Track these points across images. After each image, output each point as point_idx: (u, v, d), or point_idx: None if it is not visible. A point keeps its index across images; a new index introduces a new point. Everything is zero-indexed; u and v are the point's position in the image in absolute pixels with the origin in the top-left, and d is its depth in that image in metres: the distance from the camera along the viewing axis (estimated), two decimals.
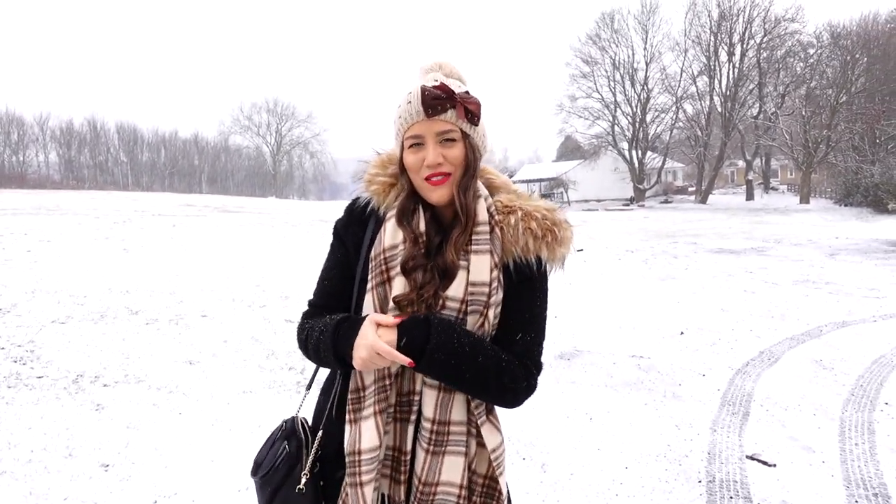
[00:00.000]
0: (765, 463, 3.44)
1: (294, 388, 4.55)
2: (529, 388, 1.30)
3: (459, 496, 1.26)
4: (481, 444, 1.30)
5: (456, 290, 1.23)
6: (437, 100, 1.22)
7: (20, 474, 3.14)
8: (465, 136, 1.25)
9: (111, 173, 72.37)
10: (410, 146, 1.26)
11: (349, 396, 1.28)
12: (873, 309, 7.52)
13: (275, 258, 10.29)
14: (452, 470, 1.26)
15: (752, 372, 5.06)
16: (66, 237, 11.00)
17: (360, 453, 1.24)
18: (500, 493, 1.31)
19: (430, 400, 1.25)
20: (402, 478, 1.28)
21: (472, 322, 1.24)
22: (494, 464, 1.30)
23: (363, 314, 1.26)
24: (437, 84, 1.24)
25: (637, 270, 10.91)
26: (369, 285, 1.27)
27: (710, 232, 19.45)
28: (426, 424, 1.25)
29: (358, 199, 1.38)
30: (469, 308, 1.23)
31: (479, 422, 1.28)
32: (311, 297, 1.43)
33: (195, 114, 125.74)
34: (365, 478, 1.24)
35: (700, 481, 3.24)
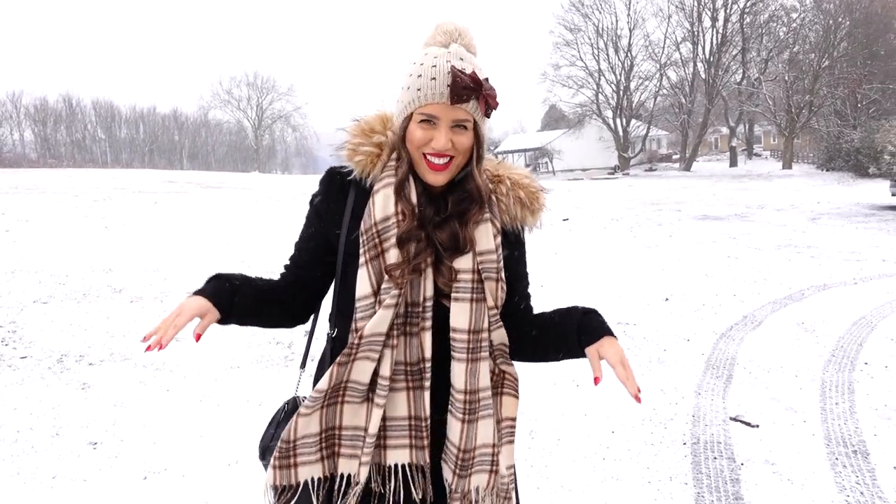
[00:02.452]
0: (748, 424, 3.50)
1: (282, 363, 4.55)
2: None
3: (493, 453, 1.31)
4: (496, 395, 1.34)
5: (465, 261, 1.26)
6: (466, 90, 1.19)
7: (7, 454, 3.13)
8: (475, 125, 1.24)
9: (89, 151, 71.09)
10: (420, 121, 1.22)
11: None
12: (854, 272, 7.64)
13: (259, 233, 10.22)
14: (486, 433, 1.30)
15: (735, 336, 5.13)
16: (46, 216, 10.83)
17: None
18: (512, 428, 1.37)
19: (459, 371, 1.26)
20: (425, 443, 1.28)
21: (489, 288, 1.27)
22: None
23: (357, 289, 1.26)
24: (469, 72, 1.20)
25: (622, 238, 10.97)
26: (362, 259, 1.25)
27: (694, 199, 19.56)
28: (458, 395, 1.27)
29: (334, 169, 1.35)
30: (484, 276, 1.27)
31: (501, 388, 1.36)
32: (286, 262, 1.42)
33: (174, 89, 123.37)
34: (366, 452, 1.24)
35: (685, 443, 3.30)
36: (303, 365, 1.51)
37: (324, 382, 1.24)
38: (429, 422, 1.26)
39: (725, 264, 8.29)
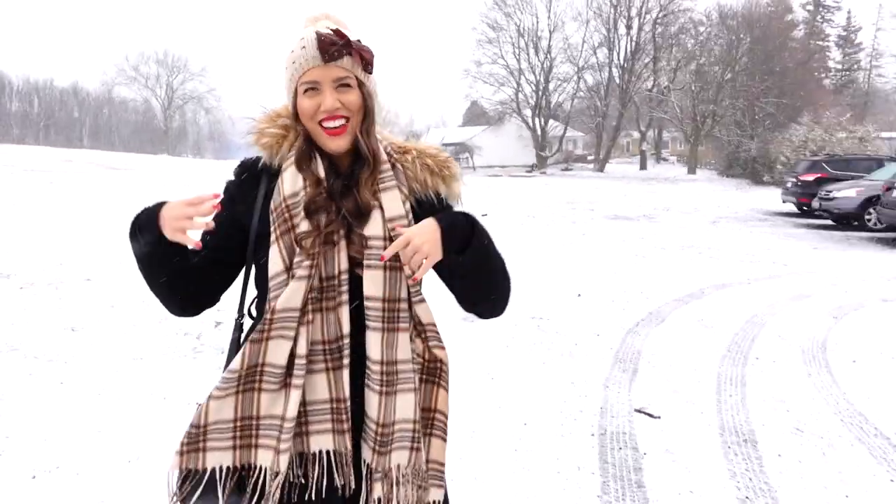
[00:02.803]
0: (650, 415, 3.68)
1: (190, 355, 4.36)
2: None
3: (414, 430, 1.26)
4: (429, 384, 1.31)
5: (375, 228, 1.24)
6: (334, 45, 1.21)
7: None
8: (360, 83, 1.26)
9: None
10: (305, 91, 1.24)
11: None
12: (748, 272, 8.19)
13: None
14: (406, 406, 1.25)
15: (641, 331, 5.38)
16: None
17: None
18: (444, 424, 1.33)
19: (375, 341, 1.23)
20: (345, 426, 1.23)
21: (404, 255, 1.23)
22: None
23: (270, 267, 1.23)
24: (332, 30, 1.23)
25: (538, 235, 11.25)
26: (273, 237, 1.23)
27: (606, 199, 20.34)
28: (374, 367, 1.23)
29: (248, 157, 1.35)
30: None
31: (437, 377, 1.31)
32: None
33: (74, 62, 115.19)
34: (283, 443, 1.19)
35: (593, 434, 3.42)
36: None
37: (236, 362, 1.19)
38: (348, 403, 1.22)
39: (633, 262, 8.67)
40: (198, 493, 1.19)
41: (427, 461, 1.30)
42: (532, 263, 8.25)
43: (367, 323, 1.23)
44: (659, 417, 3.65)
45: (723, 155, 36.82)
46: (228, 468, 1.20)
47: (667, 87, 41.89)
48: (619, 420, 3.61)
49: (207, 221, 1.19)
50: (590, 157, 52.45)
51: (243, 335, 1.32)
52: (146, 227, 1.21)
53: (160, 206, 1.21)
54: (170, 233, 1.17)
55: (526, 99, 46.51)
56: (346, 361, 1.23)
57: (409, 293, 1.26)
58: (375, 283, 1.23)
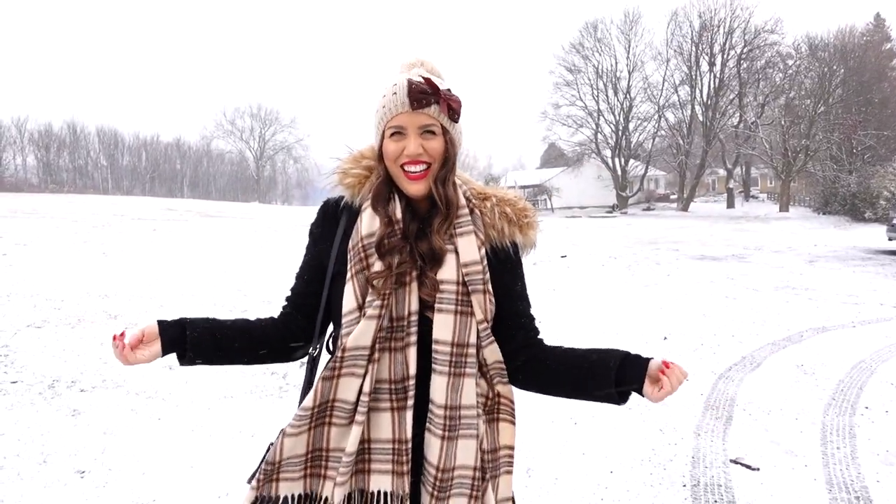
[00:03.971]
0: (748, 467, 3.44)
1: (276, 393, 4.49)
2: None
3: (474, 478, 1.25)
4: (491, 422, 1.32)
5: (448, 272, 1.25)
6: (423, 94, 1.24)
7: None
8: (444, 130, 1.28)
9: (91, 177, 71.41)
10: (392, 135, 1.27)
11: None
12: (852, 315, 7.62)
13: (257, 263, 10.20)
14: (466, 453, 1.24)
15: (734, 377, 5.09)
16: (43, 241, 10.82)
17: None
18: (511, 458, 1.33)
19: (440, 385, 1.23)
20: (405, 469, 1.23)
21: (477, 301, 1.26)
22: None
23: (344, 304, 1.26)
24: (423, 79, 1.27)
25: (620, 276, 10.96)
26: (349, 274, 1.27)
27: (691, 239, 19.64)
28: (437, 411, 1.23)
29: (330, 198, 1.40)
30: (470, 288, 1.26)
31: (497, 412, 1.33)
32: (287, 293, 1.44)
33: (177, 118, 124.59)
34: (342, 478, 1.22)
35: (685, 485, 3.24)
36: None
37: (309, 400, 1.23)
38: (409, 444, 1.22)
39: (723, 304, 8.27)
40: None
41: (497, 501, 1.29)
42: (614, 305, 8.03)
43: (434, 366, 1.24)
44: (758, 469, 3.41)
45: (818, 191, 34.89)
46: (299, 496, 1.25)
47: (754, 122, 40.45)
48: (713, 471, 3.40)
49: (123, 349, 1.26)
50: (672, 197, 51.05)
51: (319, 370, 1.35)
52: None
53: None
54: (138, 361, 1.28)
55: (605, 139, 46.16)
56: (410, 402, 1.23)
57: (478, 337, 1.27)
58: (446, 327, 1.24)
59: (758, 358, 5.65)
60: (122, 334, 1.26)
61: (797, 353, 5.79)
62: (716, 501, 3.06)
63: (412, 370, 1.23)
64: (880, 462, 3.52)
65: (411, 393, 1.23)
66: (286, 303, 1.42)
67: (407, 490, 1.22)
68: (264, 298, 7.18)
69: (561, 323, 6.78)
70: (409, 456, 1.22)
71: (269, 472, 1.24)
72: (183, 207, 23.98)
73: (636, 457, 3.56)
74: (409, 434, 1.22)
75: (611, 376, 1.26)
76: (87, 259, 9.35)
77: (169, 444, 3.59)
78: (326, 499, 1.23)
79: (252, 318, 1.42)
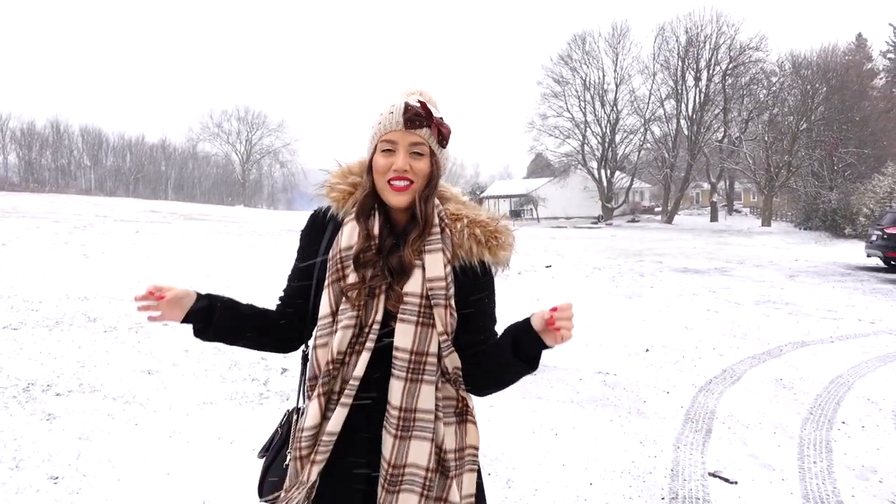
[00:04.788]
0: (726, 480, 3.47)
1: (256, 400, 4.45)
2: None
3: (426, 477, 1.36)
4: (461, 423, 1.44)
5: (413, 285, 1.36)
6: (417, 116, 1.38)
7: None
8: (432, 153, 1.41)
9: (74, 177, 70.63)
10: (383, 150, 1.39)
11: (307, 384, 1.42)
12: (831, 330, 7.72)
13: (241, 267, 10.13)
14: (419, 452, 1.36)
15: (714, 390, 5.13)
16: (23, 241, 10.67)
17: (301, 430, 1.37)
18: (475, 457, 1.46)
19: (397, 389, 1.35)
20: (318, 458, 1.36)
21: (439, 314, 1.36)
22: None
23: (320, 309, 1.39)
24: (420, 103, 1.40)
25: (604, 288, 11.02)
26: (326, 282, 1.39)
27: (675, 251, 19.80)
28: (393, 412, 1.35)
29: (320, 208, 1.53)
30: (433, 301, 1.36)
31: (465, 415, 1.45)
32: (280, 294, 1.57)
33: (163, 119, 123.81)
34: (304, 453, 1.36)
35: (663, 498, 3.25)
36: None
37: (308, 421, 1.37)
38: (334, 438, 1.35)
39: (705, 317, 8.34)
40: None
41: (462, 496, 1.41)
42: (598, 316, 8.07)
43: (393, 371, 1.35)
44: (736, 483, 3.44)
45: (800, 207, 35.36)
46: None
47: (738, 137, 40.97)
48: (691, 484, 3.42)
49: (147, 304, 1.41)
50: (657, 209, 51.48)
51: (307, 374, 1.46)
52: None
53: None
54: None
55: (592, 151, 46.48)
56: (348, 401, 1.36)
57: (439, 348, 1.38)
58: (406, 336, 1.35)
59: (738, 371, 5.70)
60: (160, 288, 1.39)
61: (776, 368, 5.85)
62: None
63: (358, 372, 1.35)
64: (855, 476, 3.56)
65: (350, 392, 1.35)
66: (279, 302, 1.55)
67: (314, 478, 1.36)
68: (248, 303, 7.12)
69: None
70: (330, 448, 1.35)
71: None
72: (167, 209, 23.76)
73: (616, 469, 3.57)
74: (339, 427, 1.35)
75: (512, 359, 1.35)
76: (67, 260, 9.22)
77: (146, 450, 3.54)
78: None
79: (259, 306, 1.55)
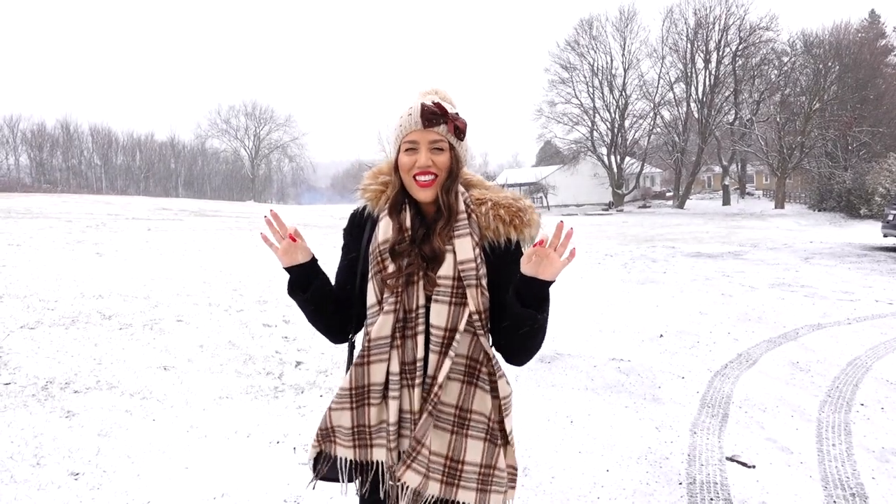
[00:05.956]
0: (744, 464, 3.45)
1: (272, 394, 4.47)
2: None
3: (453, 415, 1.50)
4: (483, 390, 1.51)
5: (446, 269, 1.48)
6: (434, 115, 1.49)
7: None
8: (451, 147, 1.52)
9: (84, 176, 71.18)
10: (406, 150, 1.51)
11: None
12: (847, 311, 7.64)
13: (253, 262, 10.17)
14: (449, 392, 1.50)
15: (730, 374, 5.09)
16: (37, 241, 10.77)
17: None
18: (506, 433, 1.53)
19: (432, 363, 1.48)
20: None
21: (471, 294, 1.47)
22: (503, 407, 1.52)
23: (367, 299, 1.54)
24: (434, 103, 1.50)
25: (616, 274, 10.97)
26: (370, 274, 1.53)
27: (687, 236, 19.66)
28: (428, 381, 1.49)
29: (357, 207, 1.68)
30: (465, 283, 1.47)
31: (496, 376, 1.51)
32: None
33: (172, 117, 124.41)
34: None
35: (681, 483, 3.24)
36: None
37: (346, 381, 1.52)
38: (417, 416, 1.47)
39: (719, 301, 8.28)
40: (327, 467, 1.55)
41: (463, 461, 1.48)
42: (611, 303, 8.03)
43: (431, 347, 1.48)
44: (754, 467, 3.41)
45: (813, 188, 34.95)
46: (350, 460, 1.54)
47: (749, 119, 40.50)
48: (709, 468, 3.40)
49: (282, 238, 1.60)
50: (668, 194, 51.13)
51: (355, 353, 1.60)
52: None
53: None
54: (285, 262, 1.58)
55: (601, 137, 46.15)
56: (418, 381, 1.48)
57: (467, 322, 1.49)
58: (441, 315, 1.47)
59: (753, 355, 5.65)
60: (299, 234, 1.60)
61: (793, 351, 5.80)
62: (712, 499, 3.06)
63: (420, 353, 1.48)
64: (875, 459, 3.53)
65: (419, 372, 1.47)
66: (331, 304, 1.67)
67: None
68: (259, 298, 7.16)
69: (558, 321, 6.77)
70: (415, 426, 1.47)
71: (325, 433, 1.55)
72: (177, 206, 23.90)
73: (632, 455, 3.56)
74: (417, 406, 1.47)
75: (520, 309, 1.43)
76: (81, 259, 9.30)
77: (164, 445, 3.57)
78: (377, 462, 1.52)
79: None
